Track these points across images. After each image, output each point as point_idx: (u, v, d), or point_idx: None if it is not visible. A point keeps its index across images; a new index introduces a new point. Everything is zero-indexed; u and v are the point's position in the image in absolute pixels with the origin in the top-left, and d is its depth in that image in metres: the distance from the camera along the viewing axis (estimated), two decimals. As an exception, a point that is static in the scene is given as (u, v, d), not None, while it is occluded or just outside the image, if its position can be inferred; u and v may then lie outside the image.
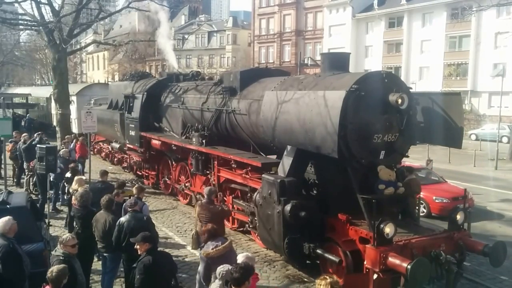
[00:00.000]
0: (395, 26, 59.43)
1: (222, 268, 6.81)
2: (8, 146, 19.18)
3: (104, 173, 12.86)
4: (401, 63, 57.83)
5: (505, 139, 36.96)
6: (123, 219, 9.07)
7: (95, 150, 27.32)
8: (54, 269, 6.30)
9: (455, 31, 51.23)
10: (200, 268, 8.11)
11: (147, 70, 62.72)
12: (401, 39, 57.84)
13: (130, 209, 9.30)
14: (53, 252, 7.47)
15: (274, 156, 12.46)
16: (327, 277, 5.70)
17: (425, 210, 15.72)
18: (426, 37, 55.43)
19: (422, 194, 15.46)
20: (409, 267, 8.07)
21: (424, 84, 51.37)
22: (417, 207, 11.09)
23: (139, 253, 7.59)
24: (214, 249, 7.93)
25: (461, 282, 9.72)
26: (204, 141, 14.60)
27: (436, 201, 15.82)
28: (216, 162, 14.00)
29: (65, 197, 13.62)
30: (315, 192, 10.80)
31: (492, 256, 9.30)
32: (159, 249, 11.59)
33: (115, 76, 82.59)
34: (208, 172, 14.66)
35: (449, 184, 17.59)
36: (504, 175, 24.73)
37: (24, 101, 43.63)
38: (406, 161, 12.47)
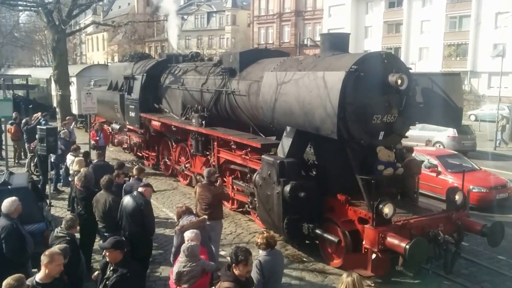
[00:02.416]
0: (395, 6, 59.05)
1: (187, 243, 6.92)
2: (11, 128, 19.16)
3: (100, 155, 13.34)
4: (400, 44, 57.56)
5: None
6: (124, 200, 9.02)
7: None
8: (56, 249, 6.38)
9: (455, 11, 51.00)
10: (174, 243, 8.16)
11: (147, 51, 62.39)
12: (401, 19, 57.50)
13: (140, 188, 9.20)
14: (53, 233, 7.56)
15: (274, 137, 12.47)
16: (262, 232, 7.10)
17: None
18: (426, 17, 55.10)
19: (456, 183, 14.69)
20: (407, 247, 8.15)
21: (424, 64, 51.22)
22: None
23: (107, 260, 6.56)
24: (189, 222, 8.02)
25: (459, 262, 9.80)
26: (203, 122, 14.62)
27: (474, 190, 14.06)
28: (216, 143, 14.04)
29: (69, 179, 13.70)
30: (314, 172, 10.83)
31: (490, 236, 9.40)
32: (160, 230, 11.79)
33: (114, 57, 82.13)
34: (208, 153, 14.70)
35: (485, 171, 16.34)
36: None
37: (24, 82, 43.49)
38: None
